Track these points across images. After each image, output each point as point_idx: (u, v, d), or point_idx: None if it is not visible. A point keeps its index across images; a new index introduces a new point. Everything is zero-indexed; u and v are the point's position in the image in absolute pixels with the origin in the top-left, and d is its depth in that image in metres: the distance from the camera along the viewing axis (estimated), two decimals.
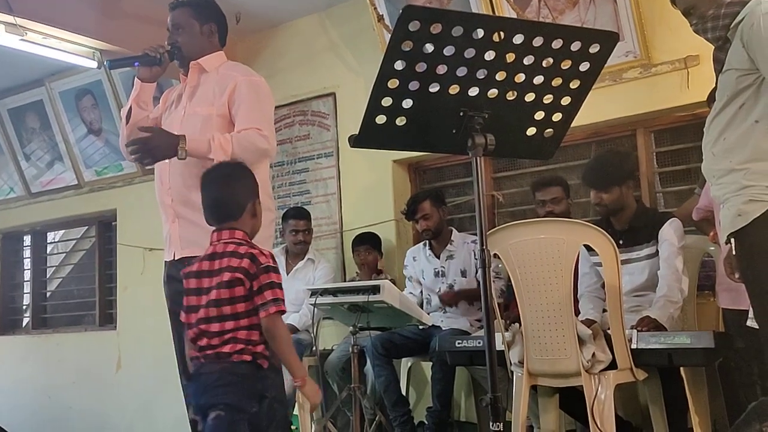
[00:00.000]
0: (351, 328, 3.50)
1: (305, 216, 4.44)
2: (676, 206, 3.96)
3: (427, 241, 3.99)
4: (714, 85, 2.81)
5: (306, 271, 4.33)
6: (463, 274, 3.87)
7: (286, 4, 4.79)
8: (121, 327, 5.91)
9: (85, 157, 6.06)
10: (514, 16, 3.98)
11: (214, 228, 2.22)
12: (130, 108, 2.69)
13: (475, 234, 4.12)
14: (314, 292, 3.48)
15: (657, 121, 4.00)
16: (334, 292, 3.44)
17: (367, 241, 4.33)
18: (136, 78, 2.69)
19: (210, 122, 2.58)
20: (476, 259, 3.83)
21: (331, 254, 4.77)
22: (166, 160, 2.57)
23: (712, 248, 3.25)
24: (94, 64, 4.54)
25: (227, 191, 2.22)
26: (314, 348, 4.17)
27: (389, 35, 4.34)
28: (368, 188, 4.72)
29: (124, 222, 5.97)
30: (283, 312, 2.09)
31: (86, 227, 6.67)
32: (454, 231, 4.00)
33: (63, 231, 6.96)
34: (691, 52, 3.70)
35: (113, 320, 6.08)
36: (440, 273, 3.90)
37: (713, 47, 2.39)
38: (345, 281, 4.64)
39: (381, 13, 4.33)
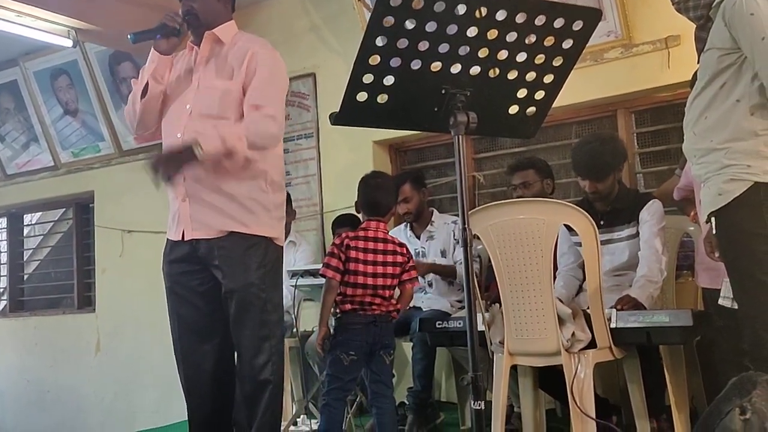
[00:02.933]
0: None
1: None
2: (656, 187, 3.98)
3: (408, 222, 3.97)
4: (697, 66, 2.83)
5: (287, 252, 4.28)
6: (443, 254, 3.86)
7: None
8: (100, 309, 5.87)
9: (61, 138, 5.98)
10: None
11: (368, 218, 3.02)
12: (147, 83, 2.57)
13: (456, 215, 4.16)
14: (295, 274, 3.46)
15: (638, 101, 4.00)
16: (315, 273, 3.42)
17: (348, 223, 4.29)
18: (153, 50, 2.58)
19: (230, 96, 2.51)
20: (456, 240, 3.88)
21: (311, 236, 4.75)
22: (178, 134, 2.52)
23: (692, 228, 3.27)
24: (69, 43, 4.46)
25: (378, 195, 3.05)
26: (294, 329, 4.15)
27: (370, 14, 4.32)
28: (348, 169, 4.68)
29: (102, 204, 5.90)
30: None
31: (63, 209, 6.59)
32: (435, 212, 3.99)
33: (40, 213, 6.87)
34: (672, 32, 3.70)
35: (92, 303, 6.03)
36: (420, 253, 3.89)
37: (695, 26, 2.39)
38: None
39: None
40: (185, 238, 2.52)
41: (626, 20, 3.74)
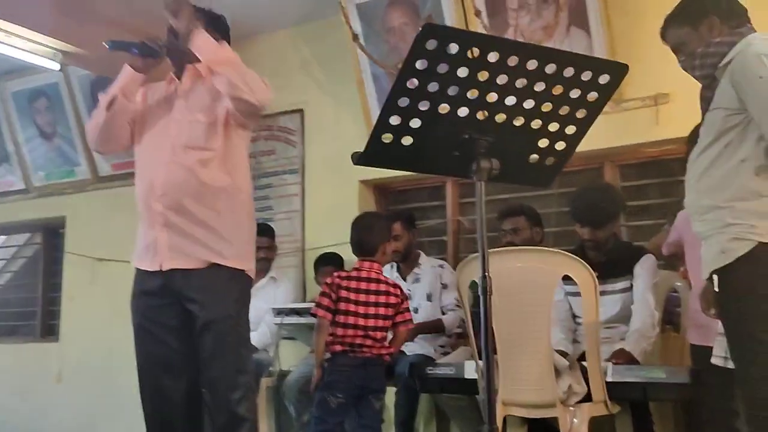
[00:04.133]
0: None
1: (268, 232, 4.35)
2: (639, 240, 4.02)
3: (395, 263, 3.94)
4: (692, 124, 2.87)
5: (268, 289, 4.22)
6: (429, 298, 3.83)
7: (257, 17, 4.72)
8: (64, 338, 5.67)
9: (34, 161, 5.84)
10: None
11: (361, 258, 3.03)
12: (114, 97, 2.53)
13: (441, 258, 4.13)
14: (280, 312, 3.39)
15: (625, 155, 4.06)
16: (300, 311, 3.36)
17: (331, 262, 4.25)
18: (126, 65, 2.55)
19: (214, 128, 2.50)
20: (443, 284, 3.85)
21: (291, 272, 4.67)
22: (159, 164, 2.48)
23: (679, 284, 3.29)
24: (56, 66, 4.39)
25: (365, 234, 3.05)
26: (272, 368, 4.06)
27: (363, 54, 4.35)
28: (333, 207, 4.65)
29: (74, 230, 5.75)
30: None
31: (29, 234, 6.40)
32: (422, 254, 3.97)
33: (4, 237, 6.66)
34: (661, 90, 3.78)
35: (55, 331, 5.83)
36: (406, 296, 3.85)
37: (696, 93, 2.42)
38: (306, 300, 4.56)
39: (356, 32, 4.30)
40: (163, 269, 2.45)
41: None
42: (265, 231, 4.32)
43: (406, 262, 3.89)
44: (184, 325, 2.46)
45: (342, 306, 2.84)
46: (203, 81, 2.57)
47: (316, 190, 4.74)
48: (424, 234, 4.60)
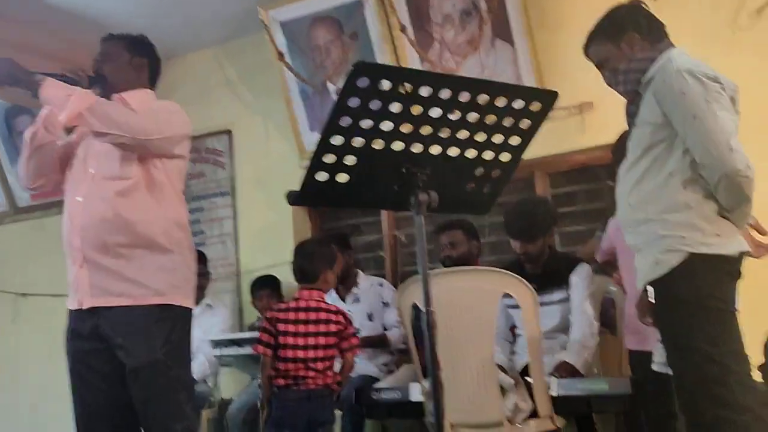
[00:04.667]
0: (256, 380, 3.34)
1: (200, 258, 4.23)
2: (571, 246, 4.10)
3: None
4: (616, 131, 2.94)
5: (204, 317, 4.09)
6: (370, 317, 3.80)
7: (179, 38, 4.60)
8: None
9: None
10: (416, 58, 4.01)
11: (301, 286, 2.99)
12: (36, 131, 2.42)
13: (380, 275, 4.10)
14: (218, 344, 3.29)
15: (554, 164, 4.13)
16: (239, 342, 3.28)
17: (268, 285, 4.16)
18: None
19: (129, 157, 2.37)
20: (384, 302, 3.83)
21: (227, 298, 4.57)
22: (78, 198, 2.36)
23: (614, 289, 3.36)
24: None
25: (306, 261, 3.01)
26: (213, 399, 3.95)
27: (289, 72, 4.30)
28: (267, 228, 4.58)
29: None
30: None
31: None
32: (361, 273, 3.93)
33: None
34: (585, 99, 3.86)
35: None
36: None
37: (621, 100, 2.47)
38: (243, 325, 4.46)
39: (281, 50, 4.25)
40: (83, 307, 2.33)
41: (542, 85, 3.87)
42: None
43: (345, 283, 3.84)
44: (117, 371, 2.33)
45: (281, 340, 2.78)
46: None
47: (249, 212, 4.65)
48: (360, 250, 4.57)
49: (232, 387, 4.25)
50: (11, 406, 5.20)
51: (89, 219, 2.34)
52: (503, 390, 2.51)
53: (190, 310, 2.43)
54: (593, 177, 4.09)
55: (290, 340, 2.78)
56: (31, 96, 2.30)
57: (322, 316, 2.86)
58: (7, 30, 4.20)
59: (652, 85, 2.23)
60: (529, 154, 4.11)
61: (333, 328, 2.86)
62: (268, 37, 4.23)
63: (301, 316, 2.83)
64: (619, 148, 2.89)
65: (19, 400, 5.16)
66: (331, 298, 3.85)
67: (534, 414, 2.54)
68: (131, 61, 2.53)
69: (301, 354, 2.76)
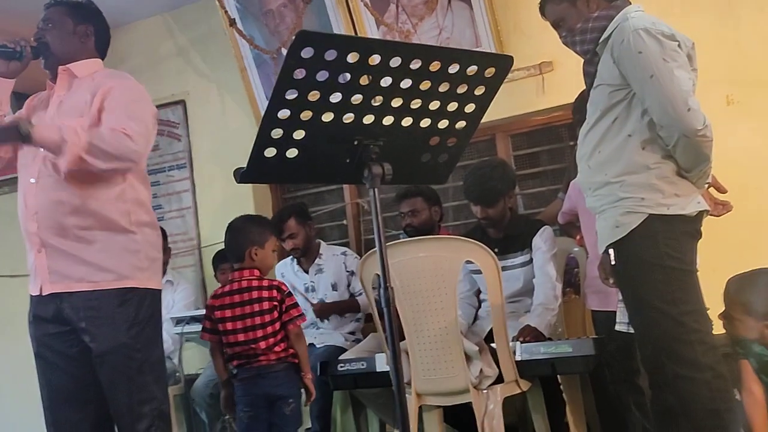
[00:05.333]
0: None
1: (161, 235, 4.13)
2: (534, 208, 4.10)
3: (294, 258, 3.84)
4: (576, 90, 2.91)
5: (165, 294, 4.01)
6: (334, 287, 3.76)
7: (127, 5, 4.43)
8: None
9: None
10: (372, 21, 3.92)
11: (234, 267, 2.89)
12: None
13: (343, 246, 4.07)
14: (180, 320, 3.23)
15: (514, 125, 4.10)
16: (200, 318, 3.22)
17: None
18: None
19: None
20: (348, 271, 3.79)
21: (189, 272, 4.50)
22: (31, 179, 2.26)
23: (576, 249, 3.36)
24: None
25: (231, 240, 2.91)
26: (177, 375, 3.90)
27: (242, 39, 4.17)
28: (227, 200, 4.48)
29: None
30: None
31: None
32: (323, 243, 3.88)
33: None
34: (544, 59, 3.82)
35: None
36: (310, 288, 3.78)
37: (580, 59, 2.44)
38: (206, 300, 4.40)
39: (233, 17, 4.12)
40: (43, 293, 2.27)
41: (501, 47, 3.82)
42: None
43: (307, 255, 3.79)
44: (84, 353, 2.27)
45: (220, 327, 2.74)
46: (79, 83, 2.36)
47: (207, 184, 4.56)
48: (324, 219, 4.52)
49: (198, 362, 4.20)
50: None
51: (43, 201, 2.25)
52: (468, 357, 2.50)
53: (158, 290, 2.37)
54: (555, 137, 4.07)
55: (229, 326, 2.72)
56: (22, 143, 2.19)
57: (254, 295, 2.75)
58: None
59: (609, 45, 2.20)
60: (489, 116, 4.07)
61: (266, 305, 2.74)
62: (217, 2, 4.09)
63: (236, 298, 2.75)
64: (579, 107, 2.87)
65: None
66: (293, 270, 3.82)
67: (499, 379, 2.54)
68: (75, 28, 2.40)
69: (242, 337, 2.71)
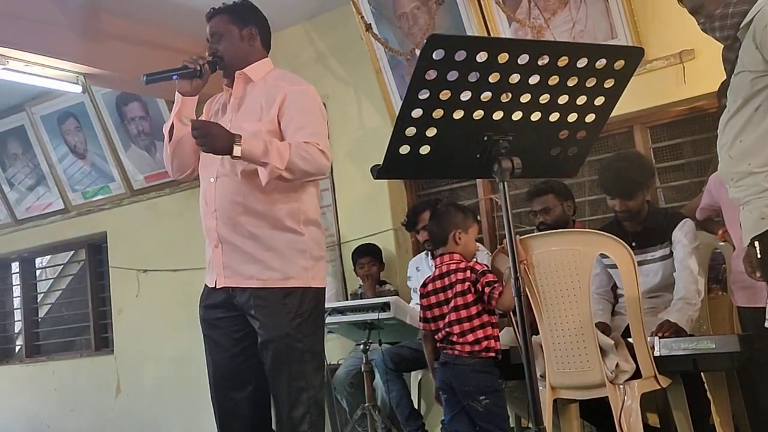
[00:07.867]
0: (360, 345, 3.45)
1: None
2: (676, 201, 3.95)
3: (429, 251, 3.93)
4: (719, 78, 2.80)
5: None
6: None
7: (270, 17, 4.67)
8: (119, 350, 5.82)
9: (70, 181, 5.96)
10: (504, 18, 3.94)
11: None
12: (172, 124, 2.52)
13: (477, 241, 4.11)
14: None
15: (653, 116, 3.98)
16: (343, 310, 3.38)
17: (369, 253, 4.27)
18: (177, 92, 2.51)
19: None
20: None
21: (330, 267, 4.70)
22: (211, 179, 2.46)
23: (722, 244, 3.23)
24: (78, 89, 4.43)
25: (435, 225, 2.92)
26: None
27: (378, 44, 4.32)
28: (364, 199, 4.66)
29: (116, 244, 5.87)
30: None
31: (73, 251, 6.56)
32: None
33: (49, 256, 6.84)
34: (685, 47, 3.68)
35: (109, 344, 5.99)
36: None
37: (722, 46, 2.35)
38: (347, 293, 4.59)
39: (369, 22, 4.27)
40: (218, 286, 2.46)
41: (638, 37, 3.71)
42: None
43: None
44: (249, 337, 2.45)
45: (428, 314, 2.82)
46: (253, 86, 2.51)
47: (346, 183, 4.74)
48: None
49: (339, 353, 4.40)
50: (136, 374, 5.62)
51: (221, 199, 2.43)
52: (603, 351, 2.48)
53: (319, 282, 2.49)
54: (697, 128, 3.91)
55: (428, 314, 2.81)
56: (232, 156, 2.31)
57: (453, 278, 2.76)
58: (134, 29, 4.41)
59: (751, 30, 2.12)
60: (626, 108, 4.04)
61: (459, 287, 2.71)
62: (354, 8, 4.26)
63: (438, 284, 2.80)
64: (724, 89, 2.75)
65: (145, 369, 5.56)
66: (428, 265, 3.91)
67: (637, 374, 2.50)
68: (241, 34, 2.53)
69: (441, 323, 2.76)
